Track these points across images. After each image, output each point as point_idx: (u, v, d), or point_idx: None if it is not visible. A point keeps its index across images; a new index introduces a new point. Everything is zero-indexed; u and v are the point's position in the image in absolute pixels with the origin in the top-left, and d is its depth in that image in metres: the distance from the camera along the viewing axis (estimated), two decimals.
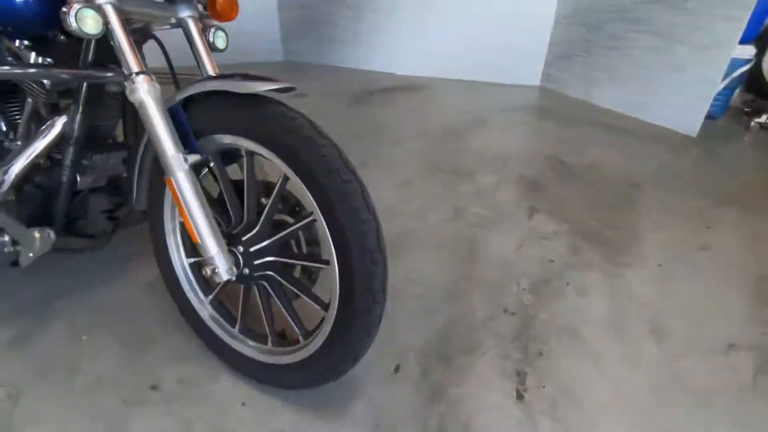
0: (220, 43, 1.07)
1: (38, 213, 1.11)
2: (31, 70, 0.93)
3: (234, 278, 0.92)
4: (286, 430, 0.98)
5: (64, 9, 0.78)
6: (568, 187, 2.20)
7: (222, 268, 0.87)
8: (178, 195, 0.86)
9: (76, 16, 0.78)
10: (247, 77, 0.84)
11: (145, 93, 0.85)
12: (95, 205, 1.22)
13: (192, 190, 0.86)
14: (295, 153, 0.79)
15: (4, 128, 1.20)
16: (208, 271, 0.87)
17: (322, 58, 5.20)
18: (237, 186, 0.97)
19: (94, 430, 0.98)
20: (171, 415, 1.01)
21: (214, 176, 0.99)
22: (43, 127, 1.06)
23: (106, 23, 0.83)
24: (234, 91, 0.81)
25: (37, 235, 1.04)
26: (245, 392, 1.07)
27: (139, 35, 1.02)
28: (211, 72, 1.02)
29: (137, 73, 0.85)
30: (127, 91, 0.85)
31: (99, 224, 1.25)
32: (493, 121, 3.27)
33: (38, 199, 1.11)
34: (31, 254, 1.08)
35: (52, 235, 1.05)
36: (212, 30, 1.05)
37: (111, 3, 0.83)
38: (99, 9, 0.82)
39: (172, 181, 0.85)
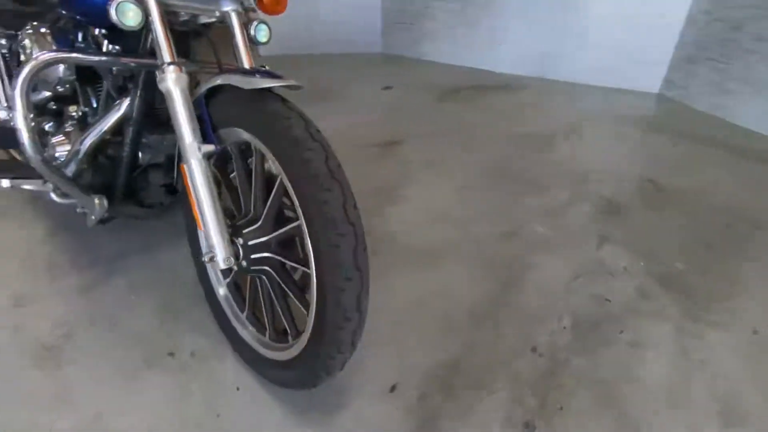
0: (262, 36, 1.09)
1: (104, 182, 1.27)
2: (95, 57, 1.04)
3: (236, 268, 0.94)
4: (269, 424, 0.99)
5: (108, 2, 0.85)
6: (657, 215, 1.88)
7: (219, 257, 0.90)
8: (188, 182, 0.90)
9: (116, 8, 0.85)
10: (264, 74, 0.84)
11: (172, 82, 0.90)
12: (153, 179, 1.35)
13: (202, 178, 0.89)
14: (282, 153, 0.77)
15: (94, 105, 1.38)
16: (206, 258, 0.91)
17: (420, 52, 5.15)
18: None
19: (114, 380, 1.09)
20: (175, 384, 1.08)
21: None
22: (113, 106, 1.20)
23: (147, 16, 0.89)
24: (238, 86, 0.82)
25: (96, 201, 1.19)
26: (244, 378, 1.10)
27: (187, 27, 1.09)
28: (246, 65, 1.04)
29: (168, 63, 0.90)
30: (158, 80, 0.91)
31: (156, 196, 1.39)
32: (590, 129, 2.92)
33: (105, 169, 1.26)
34: (93, 217, 1.23)
35: (105, 202, 1.19)
36: (255, 23, 1.08)
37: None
38: (141, 2, 0.88)
39: (185, 167, 0.90)
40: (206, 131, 0.92)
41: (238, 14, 1.04)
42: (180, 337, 1.22)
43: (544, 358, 1.16)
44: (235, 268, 0.94)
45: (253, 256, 0.93)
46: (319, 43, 5.05)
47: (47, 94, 1.31)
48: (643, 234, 1.74)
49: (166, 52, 0.91)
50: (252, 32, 1.08)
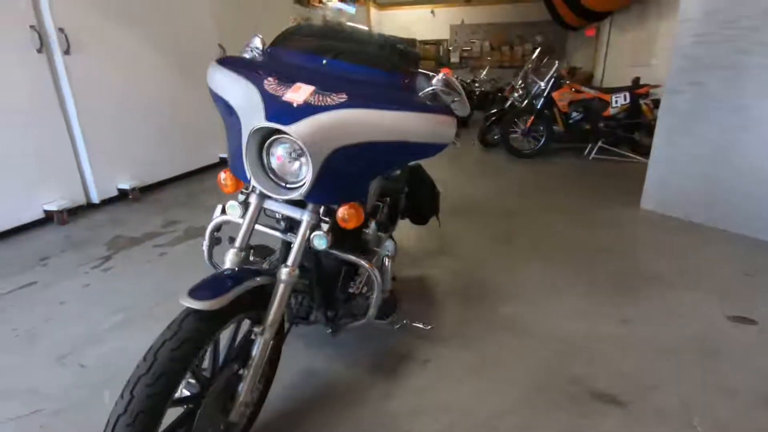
0: (317, 244, 1.29)
1: None
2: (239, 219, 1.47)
3: None
4: None
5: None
6: None
7: None
8: None
9: (224, 206, 1.33)
10: (245, 276, 1.12)
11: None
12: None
13: None
14: None
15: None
16: None
17: None
18: None
19: None
20: None
21: None
22: None
23: (245, 212, 1.32)
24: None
25: None
26: None
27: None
28: (289, 262, 1.26)
29: (231, 244, 1.30)
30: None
31: None
32: None
33: None
34: None
35: None
36: (318, 233, 1.29)
37: (255, 204, 1.31)
38: (245, 204, 1.32)
39: None
40: None
41: (308, 224, 1.29)
42: None
43: None
44: None
45: None
46: (718, 215, 3.92)
47: None
48: None
49: (241, 238, 1.30)
50: (311, 237, 1.29)
